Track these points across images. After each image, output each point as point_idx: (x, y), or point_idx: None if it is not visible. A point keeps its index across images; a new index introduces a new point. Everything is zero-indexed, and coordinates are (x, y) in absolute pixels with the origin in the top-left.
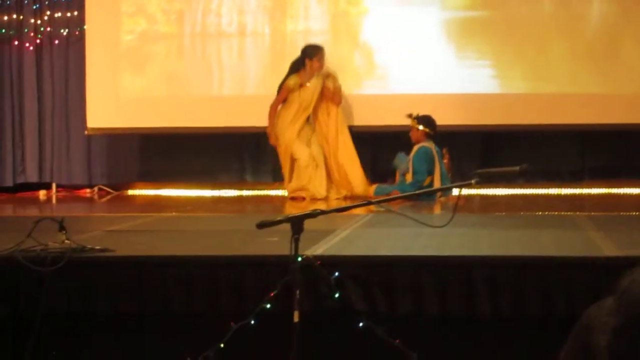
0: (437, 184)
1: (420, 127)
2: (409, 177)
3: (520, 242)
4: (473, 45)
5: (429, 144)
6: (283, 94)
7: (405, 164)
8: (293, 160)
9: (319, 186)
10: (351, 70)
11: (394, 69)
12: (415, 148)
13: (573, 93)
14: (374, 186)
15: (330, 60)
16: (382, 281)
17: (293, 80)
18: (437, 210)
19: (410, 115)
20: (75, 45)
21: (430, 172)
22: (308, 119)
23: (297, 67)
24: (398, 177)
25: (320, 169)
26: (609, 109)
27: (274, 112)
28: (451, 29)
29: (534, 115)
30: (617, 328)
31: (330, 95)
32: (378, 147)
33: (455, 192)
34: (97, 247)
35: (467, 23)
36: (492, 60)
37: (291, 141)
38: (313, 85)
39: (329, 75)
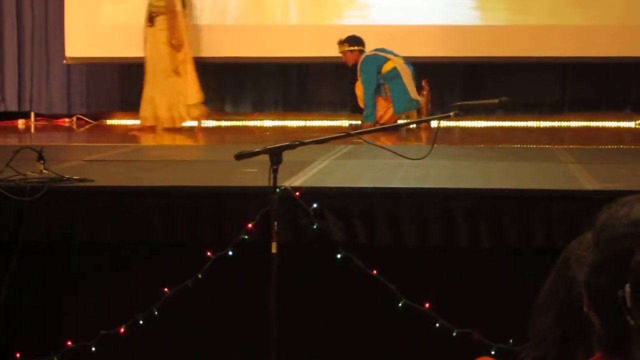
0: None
1: (353, 48)
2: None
3: (500, 174)
4: None
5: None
6: None
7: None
8: None
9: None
10: (331, 1)
11: None
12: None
13: (554, 25)
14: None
15: None
16: (361, 212)
17: None
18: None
19: (338, 42)
20: None
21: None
22: None
23: None
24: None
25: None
26: (590, 41)
27: None
28: None
29: (515, 47)
30: (595, 263)
31: None
32: (357, 76)
33: (435, 124)
34: (76, 177)
35: None
36: None
37: None
38: None
39: None
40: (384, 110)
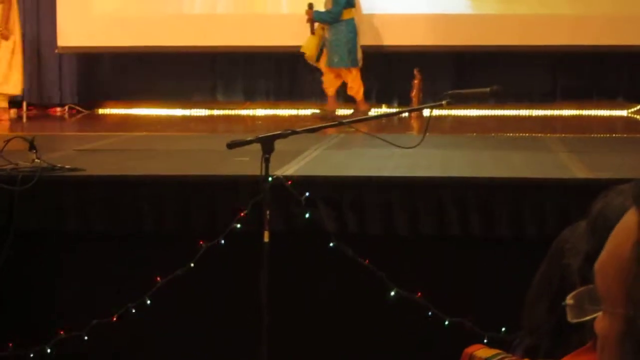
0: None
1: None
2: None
3: (491, 163)
4: None
5: None
6: None
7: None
8: None
9: None
10: None
11: None
12: None
13: (546, 14)
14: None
15: None
16: (353, 201)
17: None
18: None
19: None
20: None
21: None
22: None
23: None
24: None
25: None
26: (581, 30)
27: None
28: None
29: (506, 36)
30: (590, 253)
31: None
32: None
33: (427, 112)
34: (68, 167)
35: None
36: None
37: None
38: None
39: None
40: None
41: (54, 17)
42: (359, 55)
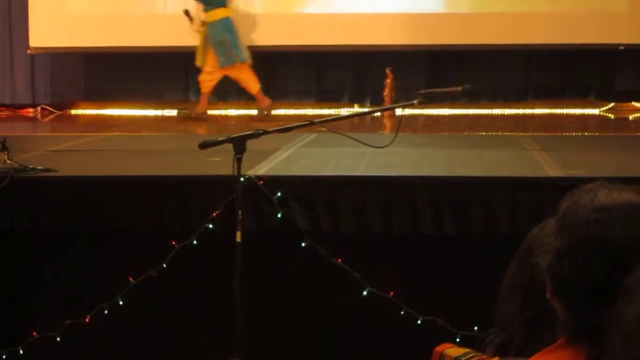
0: None
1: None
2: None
3: (464, 161)
4: None
5: None
6: None
7: None
8: None
9: None
10: None
11: None
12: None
13: (518, 12)
14: None
15: None
16: (326, 201)
17: None
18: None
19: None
20: None
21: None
22: None
23: None
24: None
25: None
26: (554, 28)
27: None
28: None
29: (479, 35)
30: (559, 250)
31: None
32: (322, 67)
33: (399, 112)
34: (40, 167)
35: None
36: None
37: None
38: None
39: None
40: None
41: (26, 17)
42: (245, 51)
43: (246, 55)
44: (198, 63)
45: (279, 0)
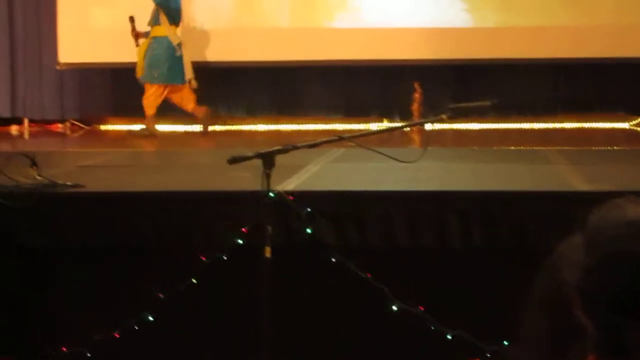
0: None
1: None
2: (158, 31)
3: (492, 176)
4: None
5: None
6: None
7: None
8: None
9: None
10: (322, 3)
11: (365, 1)
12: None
13: (546, 26)
14: None
15: None
16: (354, 216)
17: None
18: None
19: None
20: None
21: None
22: None
23: None
24: None
25: None
26: (582, 42)
27: None
28: None
29: (506, 49)
30: (587, 267)
31: None
32: (351, 81)
33: (427, 126)
34: (69, 183)
35: None
36: None
37: None
38: None
39: None
40: None
41: (54, 33)
42: (188, 73)
43: (188, 77)
44: (139, 75)
45: (307, 15)
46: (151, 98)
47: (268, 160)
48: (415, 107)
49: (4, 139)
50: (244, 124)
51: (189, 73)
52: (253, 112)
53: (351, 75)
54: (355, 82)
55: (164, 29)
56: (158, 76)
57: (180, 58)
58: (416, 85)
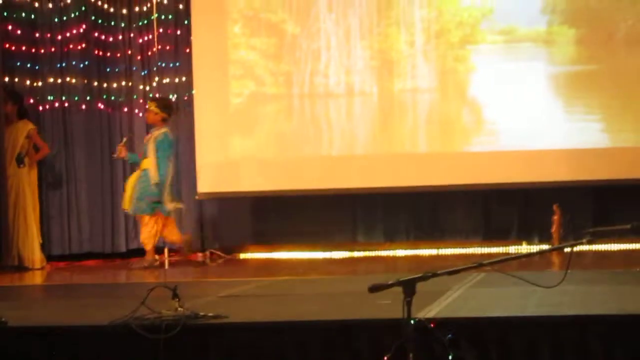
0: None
1: (158, 110)
2: (146, 164)
3: (635, 298)
4: (581, 99)
5: (167, 129)
6: None
7: (144, 149)
8: None
9: None
10: (459, 127)
11: (502, 125)
12: (157, 133)
13: None
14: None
15: (438, 117)
16: (497, 341)
17: None
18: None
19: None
20: (184, 110)
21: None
22: None
23: None
24: None
25: None
26: None
27: None
28: (559, 83)
29: None
30: None
31: None
32: (489, 205)
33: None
34: (211, 314)
35: (574, 77)
36: (600, 113)
37: None
38: None
39: None
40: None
41: (193, 165)
42: (174, 204)
43: (169, 209)
44: (125, 207)
45: (444, 140)
46: (151, 230)
47: (408, 287)
48: (554, 229)
49: (145, 270)
50: (383, 250)
51: (175, 204)
52: (391, 237)
53: (489, 198)
54: (494, 205)
55: (149, 162)
56: (146, 207)
57: (148, 189)
58: (555, 208)
